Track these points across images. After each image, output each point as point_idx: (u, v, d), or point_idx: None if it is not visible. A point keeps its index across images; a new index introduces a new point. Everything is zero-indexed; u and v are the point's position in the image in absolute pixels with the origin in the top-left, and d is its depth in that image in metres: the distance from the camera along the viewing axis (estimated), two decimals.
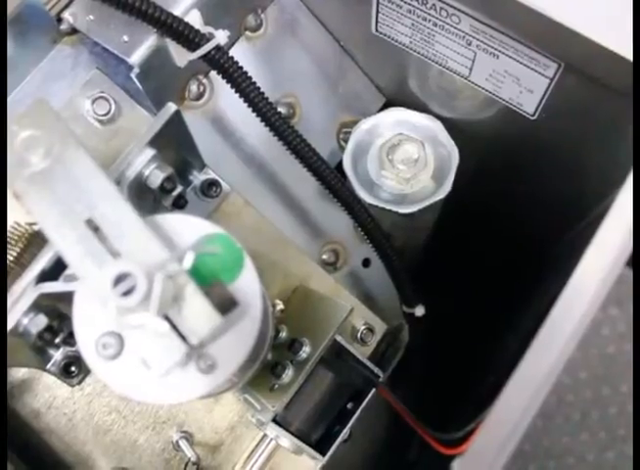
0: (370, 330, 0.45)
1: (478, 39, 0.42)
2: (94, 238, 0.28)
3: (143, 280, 0.25)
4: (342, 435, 0.40)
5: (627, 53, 0.35)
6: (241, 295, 0.28)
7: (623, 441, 1.23)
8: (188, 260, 0.27)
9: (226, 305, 0.27)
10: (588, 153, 0.46)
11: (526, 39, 0.39)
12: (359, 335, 0.45)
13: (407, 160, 0.48)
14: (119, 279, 0.25)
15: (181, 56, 0.41)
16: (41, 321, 0.33)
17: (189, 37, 0.38)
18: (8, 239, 0.35)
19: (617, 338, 1.29)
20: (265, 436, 0.42)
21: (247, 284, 0.29)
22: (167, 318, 0.26)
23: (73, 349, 0.37)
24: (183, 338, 0.27)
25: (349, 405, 0.41)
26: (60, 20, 0.41)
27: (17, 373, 0.40)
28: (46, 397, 0.41)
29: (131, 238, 0.27)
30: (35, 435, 0.41)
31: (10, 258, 0.35)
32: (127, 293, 0.25)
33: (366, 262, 0.52)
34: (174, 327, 0.27)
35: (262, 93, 0.40)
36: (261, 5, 0.48)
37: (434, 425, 0.44)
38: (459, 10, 0.40)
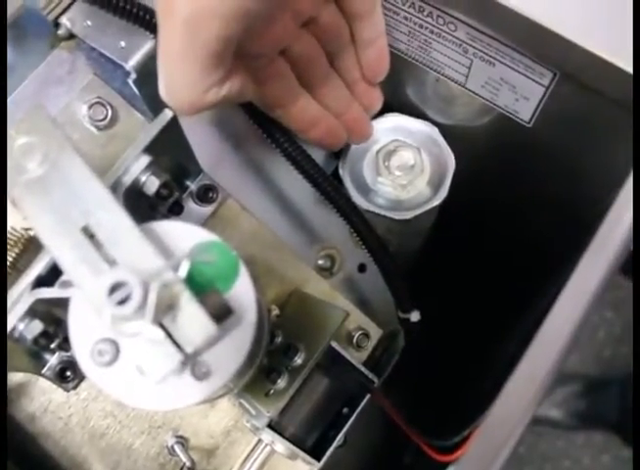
0: (365, 335, 0.45)
1: (474, 47, 0.42)
2: (90, 245, 0.28)
3: (138, 289, 0.25)
4: (337, 440, 0.40)
5: (625, 63, 0.35)
6: (236, 303, 0.29)
7: (619, 444, 1.23)
8: (183, 269, 0.27)
9: (221, 313, 0.27)
10: (584, 159, 0.46)
11: (523, 48, 0.40)
12: (355, 340, 0.45)
13: (403, 166, 0.48)
14: (115, 288, 0.25)
15: None
16: (37, 327, 0.33)
17: None
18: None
19: (613, 341, 1.29)
20: (260, 441, 0.42)
21: (242, 292, 0.29)
22: (162, 326, 0.27)
23: (69, 353, 0.37)
24: (178, 346, 0.27)
25: (344, 410, 0.41)
26: (57, 25, 0.41)
27: (13, 377, 0.40)
28: (42, 401, 0.41)
29: (127, 246, 0.28)
30: (31, 439, 0.41)
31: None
32: (123, 301, 0.25)
33: (362, 268, 0.52)
34: (169, 335, 0.27)
35: None
36: None
37: (429, 430, 0.44)
38: (456, 18, 0.40)
